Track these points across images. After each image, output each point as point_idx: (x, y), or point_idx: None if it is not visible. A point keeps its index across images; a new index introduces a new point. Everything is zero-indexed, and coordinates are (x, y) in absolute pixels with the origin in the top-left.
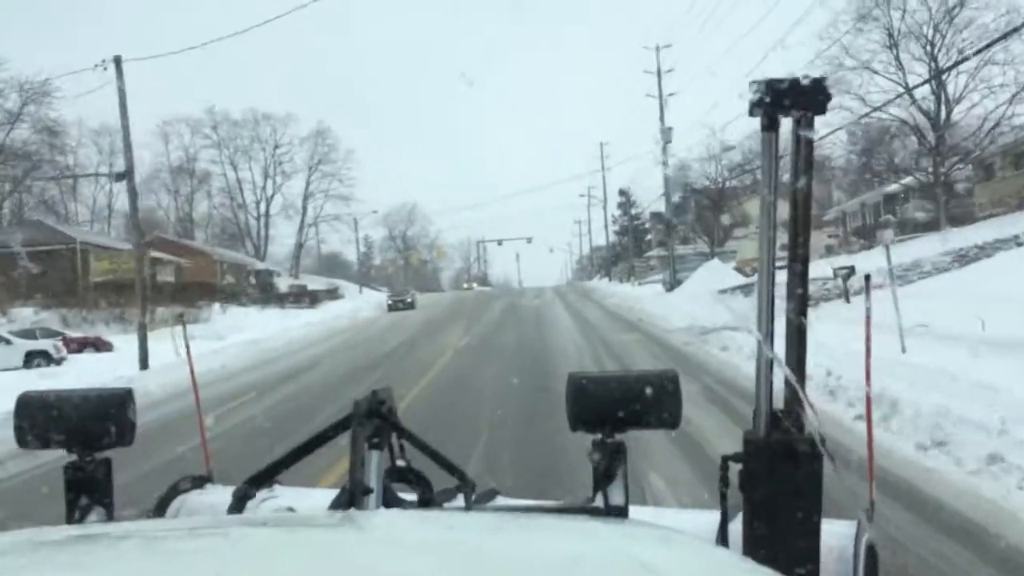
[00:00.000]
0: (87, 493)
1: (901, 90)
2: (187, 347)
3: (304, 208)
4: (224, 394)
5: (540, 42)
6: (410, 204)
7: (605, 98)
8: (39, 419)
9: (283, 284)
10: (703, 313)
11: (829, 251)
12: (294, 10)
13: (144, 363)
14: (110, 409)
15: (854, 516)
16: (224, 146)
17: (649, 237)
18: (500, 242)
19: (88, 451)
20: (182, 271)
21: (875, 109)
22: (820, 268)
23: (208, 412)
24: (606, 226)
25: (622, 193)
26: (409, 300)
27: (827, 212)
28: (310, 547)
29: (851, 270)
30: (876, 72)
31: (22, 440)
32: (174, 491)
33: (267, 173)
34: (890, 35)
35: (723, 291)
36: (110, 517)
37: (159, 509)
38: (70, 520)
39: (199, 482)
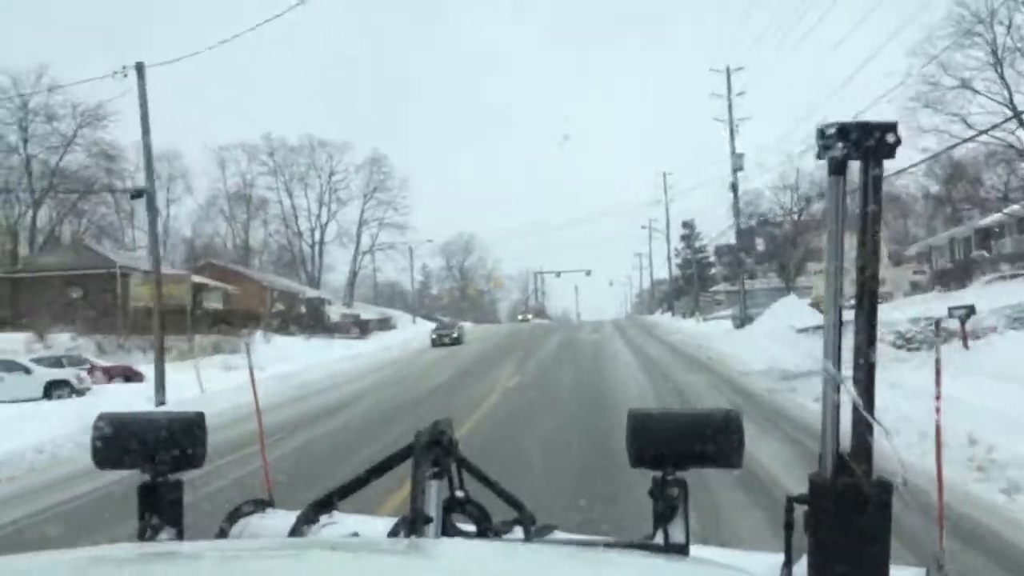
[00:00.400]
0: (158, 513)
1: (1008, 111)
2: (251, 372)
3: (358, 236)
4: (232, 440)
5: (602, 68)
6: (467, 234)
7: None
8: (115, 440)
9: (335, 313)
10: (781, 353)
11: (915, 288)
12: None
13: (161, 398)
14: (182, 432)
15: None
16: (280, 173)
17: (714, 271)
18: (558, 274)
19: (160, 472)
20: (230, 298)
21: (982, 132)
22: (912, 307)
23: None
24: (669, 259)
25: (685, 225)
26: (455, 335)
27: (908, 247)
28: (378, 572)
29: (970, 310)
30: (977, 92)
31: (99, 460)
32: (237, 513)
33: (322, 200)
34: (994, 52)
35: (802, 330)
36: (180, 537)
37: (223, 531)
38: (142, 538)
39: (261, 506)
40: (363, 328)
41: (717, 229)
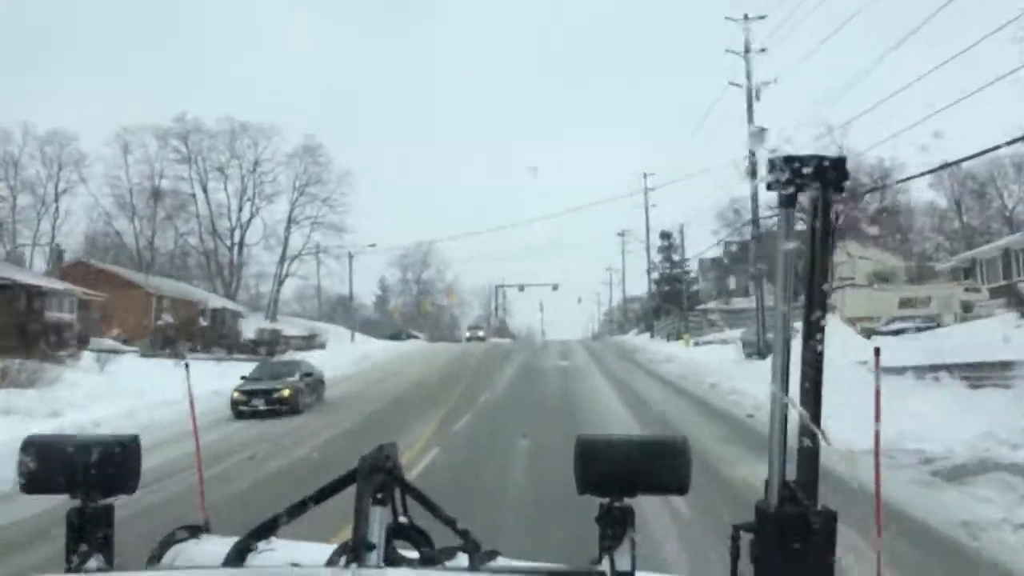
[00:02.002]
0: (87, 540)
1: None
2: (189, 393)
3: (286, 237)
4: None
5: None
6: (426, 244)
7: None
8: (44, 463)
9: (251, 328)
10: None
11: (968, 311)
12: None
13: None
14: (115, 456)
15: None
16: (195, 161)
17: (696, 288)
18: (522, 288)
19: (91, 498)
20: (89, 308)
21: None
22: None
23: None
24: (648, 271)
25: (664, 236)
26: (282, 392)
27: (936, 261)
28: None
29: None
30: None
31: (26, 484)
32: (170, 540)
33: (244, 194)
34: None
35: (866, 362)
36: (110, 565)
37: (155, 559)
38: (69, 568)
39: (195, 532)
40: (271, 349)
41: (698, 244)
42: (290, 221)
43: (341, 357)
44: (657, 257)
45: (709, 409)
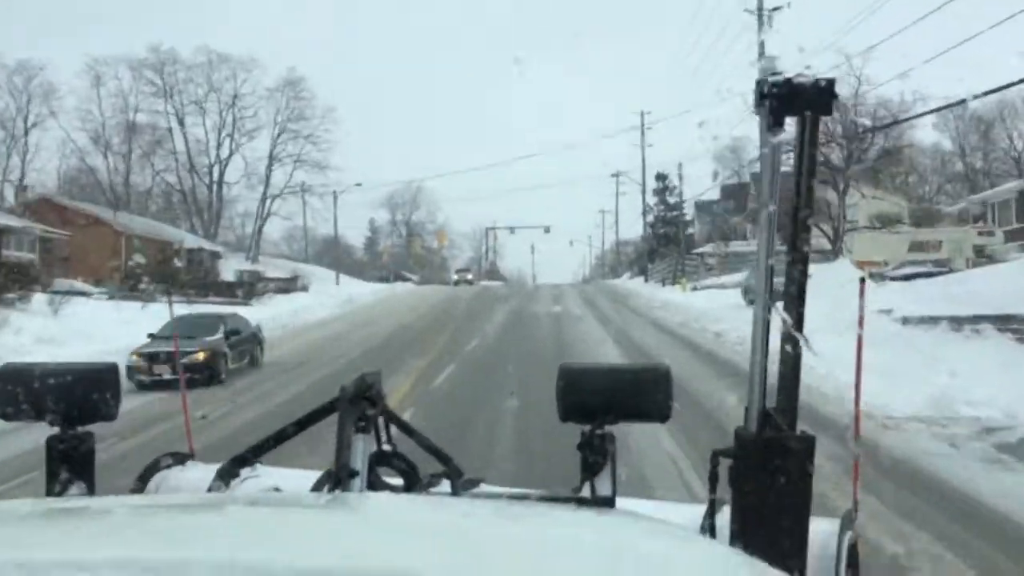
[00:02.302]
0: (68, 467)
1: None
2: (172, 315)
3: (268, 175)
4: None
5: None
6: (415, 185)
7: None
8: (22, 390)
9: (230, 269)
10: (919, 373)
11: (980, 254)
12: None
13: None
14: (94, 383)
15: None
16: (171, 95)
17: (692, 231)
18: (513, 230)
19: (71, 425)
20: (53, 245)
21: None
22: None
23: None
24: (644, 213)
25: (659, 178)
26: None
27: (939, 203)
28: (302, 527)
29: None
30: None
31: (3, 411)
32: (155, 467)
33: (222, 130)
34: None
35: (911, 320)
36: (91, 492)
37: (139, 485)
38: (50, 493)
39: (180, 459)
40: (249, 292)
41: (696, 186)
42: (271, 158)
43: (322, 301)
44: (653, 200)
45: (719, 363)
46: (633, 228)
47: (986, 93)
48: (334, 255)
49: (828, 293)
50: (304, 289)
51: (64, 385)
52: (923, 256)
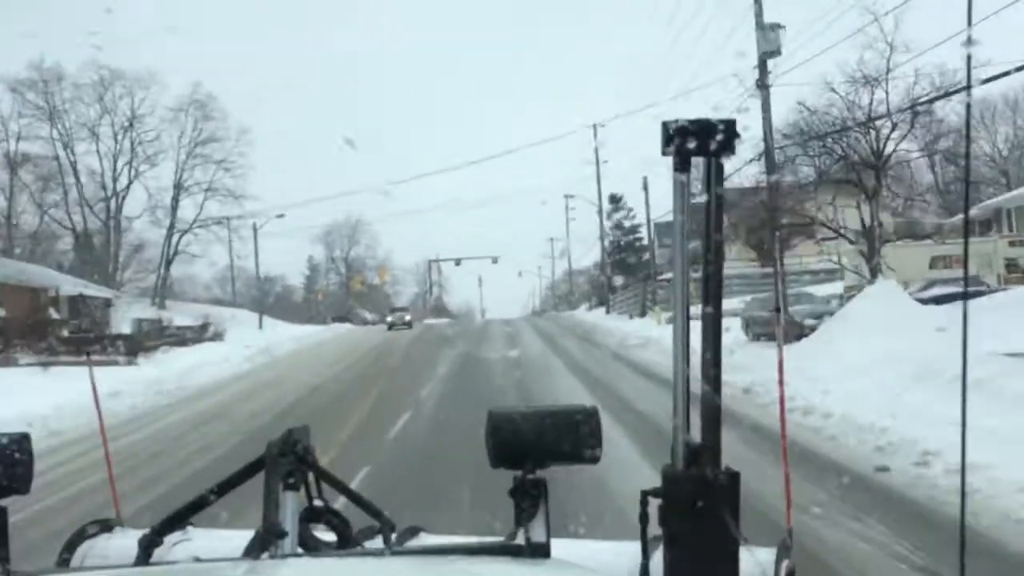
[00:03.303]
0: None
1: None
2: (94, 390)
3: (174, 207)
4: None
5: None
6: (354, 218)
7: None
8: None
9: (128, 318)
10: None
11: (1013, 267)
12: None
13: None
14: (5, 455)
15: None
16: (58, 118)
17: (648, 255)
18: (458, 261)
19: None
20: None
21: None
22: None
23: None
24: (601, 237)
25: (613, 200)
26: None
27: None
28: None
29: None
30: None
31: None
32: (80, 536)
33: (119, 157)
34: None
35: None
36: (6, 570)
37: (63, 557)
38: None
39: (107, 526)
40: (133, 347)
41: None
42: (178, 187)
43: (231, 353)
44: (608, 223)
45: (774, 445)
46: (586, 256)
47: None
48: (258, 296)
49: (877, 316)
50: (218, 337)
51: None
52: (949, 274)
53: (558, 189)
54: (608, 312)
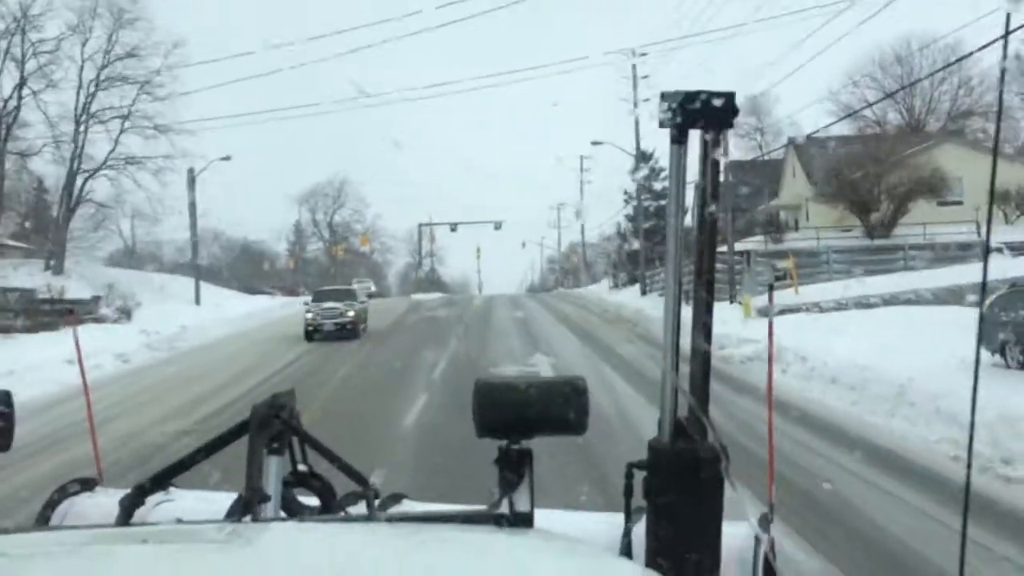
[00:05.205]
0: None
1: None
2: (78, 349)
3: (77, 139)
4: None
5: None
6: (339, 179)
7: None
8: None
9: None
10: None
11: None
12: None
13: None
14: None
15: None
16: None
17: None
18: (454, 227)
19: None
20: None
21: None
22: None
23: None
24: (637, 196)
25: (644, 157)
26: None
27: None
28: (191, 567)
29: None
30: None
31: None
32: (61, 494)
33: (2, 69)
34: None
35: None
36: None
37: (44, 514)
38: None
39: (88, 484)
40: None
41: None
42: (87, 112)
43: (114, 344)
44: (632, 186)
45: None
46: (601, 226)
47: None
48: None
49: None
50: (123, 316)
51: None
52: None
53: (581, 148)
54: (644, 293)
